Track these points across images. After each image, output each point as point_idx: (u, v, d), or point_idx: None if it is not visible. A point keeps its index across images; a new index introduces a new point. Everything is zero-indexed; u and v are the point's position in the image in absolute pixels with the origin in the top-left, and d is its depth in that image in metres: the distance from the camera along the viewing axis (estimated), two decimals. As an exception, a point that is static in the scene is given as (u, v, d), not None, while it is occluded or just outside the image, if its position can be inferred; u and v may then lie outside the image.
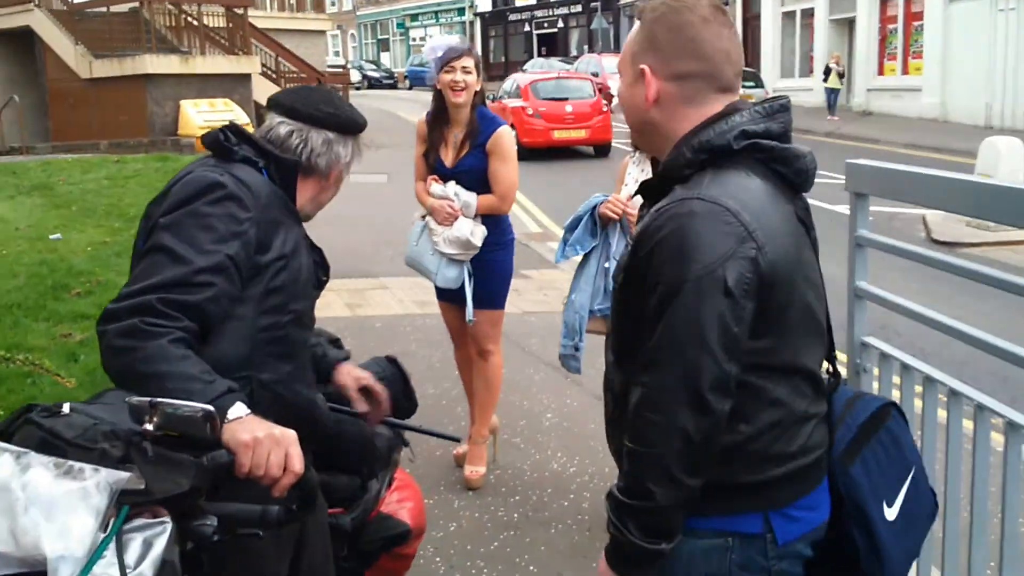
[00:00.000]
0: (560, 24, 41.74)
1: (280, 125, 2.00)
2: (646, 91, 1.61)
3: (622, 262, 1.65)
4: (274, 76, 20.57)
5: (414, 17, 51.17)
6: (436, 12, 49.73)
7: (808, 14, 25.89)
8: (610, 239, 3.41)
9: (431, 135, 3.98)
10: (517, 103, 17.43)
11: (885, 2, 23.20)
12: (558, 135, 16.98)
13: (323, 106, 2.01)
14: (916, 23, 22.08)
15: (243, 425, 1.53)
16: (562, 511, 3.81)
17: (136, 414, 1.39)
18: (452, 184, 3.90)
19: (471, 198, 3.88)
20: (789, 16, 26.73)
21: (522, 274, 7.82)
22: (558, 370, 5.55)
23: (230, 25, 19.53)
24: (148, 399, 1.39)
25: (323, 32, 26.30)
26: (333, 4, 52.15)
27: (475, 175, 3.89)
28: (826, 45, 24.52)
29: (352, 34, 55.68)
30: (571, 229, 3.53)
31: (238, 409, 1.56)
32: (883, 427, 1.72)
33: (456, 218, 3.86)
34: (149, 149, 16.08)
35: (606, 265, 3.39)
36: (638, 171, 3.51)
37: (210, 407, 1.43)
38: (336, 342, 3.05)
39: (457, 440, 2.88)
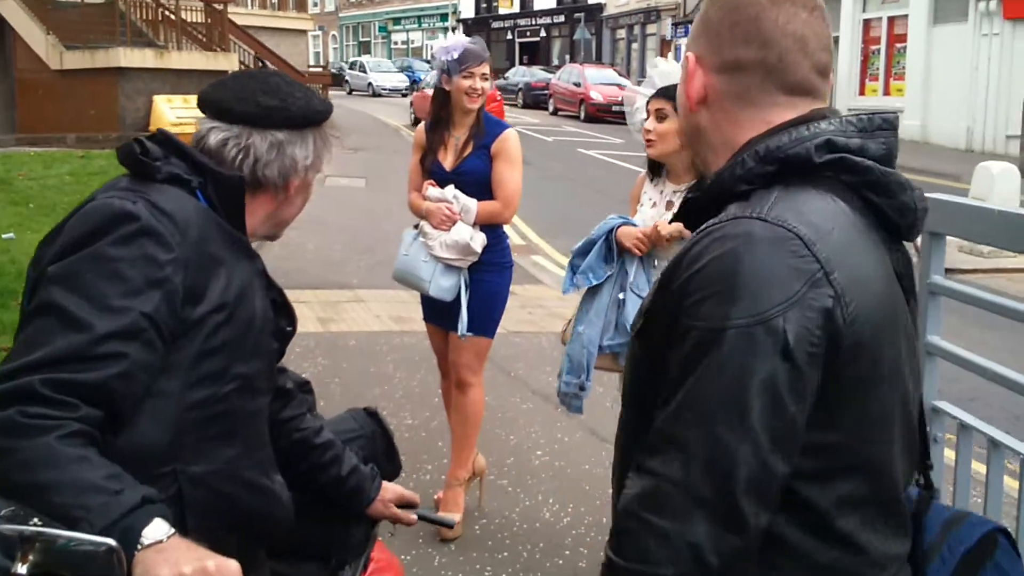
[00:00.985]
0: (543, 33, 41.51)
1: (211, 132, 1.56)
2: (689, 86, 1.25)
3: (645, 302, 1.23)
4: (252, 74, 20.08)
5: (396, 21, 50.75)
6: (419, 17, 49.35)
7: (793, 32, 25.77)
8: (627, 268, 3.02)
9: (430, 138, 3.67)
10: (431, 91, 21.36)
11: (868, 23, 23.13)
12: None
13: (264, 98, 1.55)
14: (899, 45, 22.04)
15: (163, 555, 1.12)
16: (557, 571, 3.40)
17: (4, 548, 0.96)
18: (451, 188, 3.55)
19: (471, 203, 3.52)
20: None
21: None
22: (547, 399, 5.15)
23: (208, 20, 19.02)
24: (19, 528, 0.96)
25: (304, 32, 25.82)
26: (315, 4, 51.61)
27: (477, 178, 3.55)
28: (811, 64, 24.37)
29: (333, 35, 55.13)
30: (581, 255, 3.12)
31: (156, 530, 1.15)
32: (989, 562, 1.27)
33: (454, 222, 3.51)
34: (118, 145, 15.55)
35: (620, 296, 2.99)
36: (656, 191, 3.12)
37: (111, 542, 1.02)
38: (304, 386, 2.63)
39: (450, 526, 2.51)
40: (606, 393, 4.22)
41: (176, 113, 15.85)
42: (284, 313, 1.66)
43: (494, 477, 4.12)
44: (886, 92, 22.43)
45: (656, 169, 3.11)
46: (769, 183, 1.15)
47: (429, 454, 4.31)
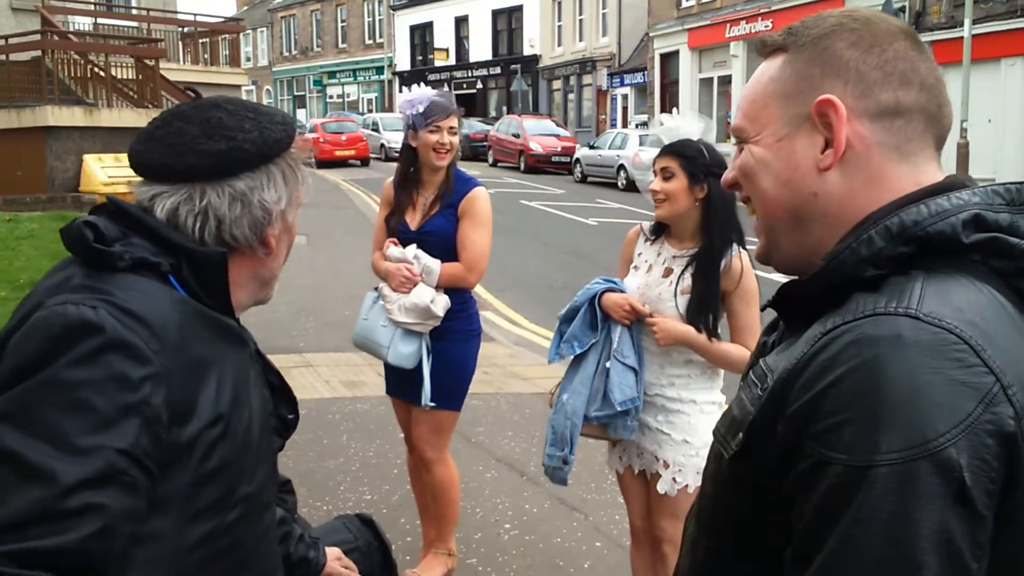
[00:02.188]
0: (479, 85, 41.81)
1: (156, 201, 1.26)
2: (825, 142, 1.00)
3: (742, 414, 1.00)
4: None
5: (331, 74, 50.70)
6: (354, 70, 49.37)
7: (725, 81, 26.41)
8: (612, 334, 2.85)
9: (398, 197, 3.47)
10: (312, 135, 27.77)
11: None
12: (338, 153, 28.15)
13: (208, 144, 1.26)
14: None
15: None
16: (538, 660, 3.19)
17: None
18: (412, 247, 3.34)
19: (434, 264, 3.31)
20: (706, 83, 27.24)
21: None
22: (512, 467, 4.95)
23: (140, 76, 18.64)
24: None
25: (239, 87, 25.54)
26: (248, 60, 51.35)
27: (442, 239, 3.34)
28: (744, 112, 24.93)
29: (268, 90, 54.83)
30: (567, 321, 2.95)
31: None
32: None
33: (415, 284, 3.29)
34: (47, 207, 15.00)
35: (607, 365, 2.82)
36: (652, 253, 2.93)
37: None
38: (284, 486, 2.40)
39: None
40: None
41: (108, 172, 15.38)
42: (283, 398, 1.42)
43: (463, 555, 3.89)
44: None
45: (658, 229, 2.94)
46: (905, 268, 0.93)
47: (392, 532, 4.03)
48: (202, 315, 1.23)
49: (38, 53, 17.56)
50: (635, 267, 2.95)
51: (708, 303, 2.74)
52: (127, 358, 1.10)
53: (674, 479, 2.82)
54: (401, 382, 3.44)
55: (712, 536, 1.07)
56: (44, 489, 1.02)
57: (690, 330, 2.74)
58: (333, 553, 1.73)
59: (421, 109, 3.33)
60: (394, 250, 3.35)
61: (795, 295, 1.02)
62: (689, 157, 2.74)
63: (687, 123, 2.86)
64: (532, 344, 8.10)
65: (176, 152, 1.25)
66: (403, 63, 45.75)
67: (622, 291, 2.88)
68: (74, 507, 1.03)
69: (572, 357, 2.93)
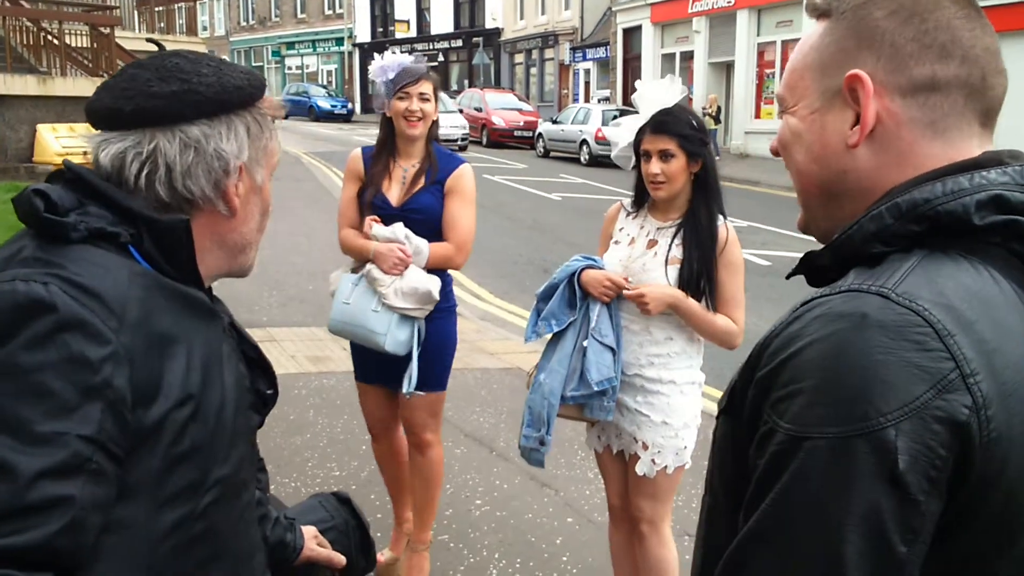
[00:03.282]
0: (440, 58, 41.41)
1: (101, 148, 1.17)
2: (855, 117, 0.97)
3: (733, 377, 1.02)
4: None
5: (290, 45, 49.86)
6: (313, 41, 48.61)
7: (687, 56, 26.43)
8: (591, 312, 2.81)
9: (373, 168, 3.27)
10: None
11: (762, 47, 23.89)
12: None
13: (160, 86, 1.16)
14: (792, 69, 22.79)
15: None
16: (513, 636, 3.19)
17: None
18: (399, 226, 3.14)
19: (423, 244, 3.14)
20: (669, 58, 27.22)
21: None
22: (481, 442, 4.94)
23: (95, 45, 18.16)
24: None
25: (195, 56, 25.04)
26: (205, 29, 50.29)
27: (427, 216, 3.18)
28: (705, 88, 25.02)
29: (224, 60, 53.79)
30: (544, 299, 2.89)
31: None
32: None
33: (407, 266, 3.11)
34: (13, 193, 14.62)
35: (584, 344, 2.79)
36: (635, 226, 2.88)
37: None
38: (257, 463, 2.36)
39: None
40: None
41: (62, 143, 15.00)
42: (261, 373, 1.34)
43: (434, 532, 3.86)
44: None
45: (639, 200, 2.89)
46: (909, 247, 0.91)
47: (363, 508, 4.02)
48: (166, 288, 1.15)
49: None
50: (616, 242, 2.91)
51: (701, 270, 2.72)
52: (84, 337, 1.02)
53: (653, 460, 2.81)
54: (380, 368, 3.27)
55: (710, 491, 1.08)
56: (4, 484, 0.96)
57: (679, 293, 2.71)
58: (309, 532, 1.68)
59: (391, 76, 3.20)
60: (380, 229, 3.14)
61: (811, 265, 1.02)
62: (686, 136, 2.71)
63: (666, 89, 2.81)
64: (497, 319, 8.07)
65: (126, 96, 1.16)
66: (363, 34, 45.14)
67: (601, 268, 2.85)
68: (39, 501, 0.97)
69: (550, 336, 2.90)
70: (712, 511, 1.07)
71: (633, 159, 2.86)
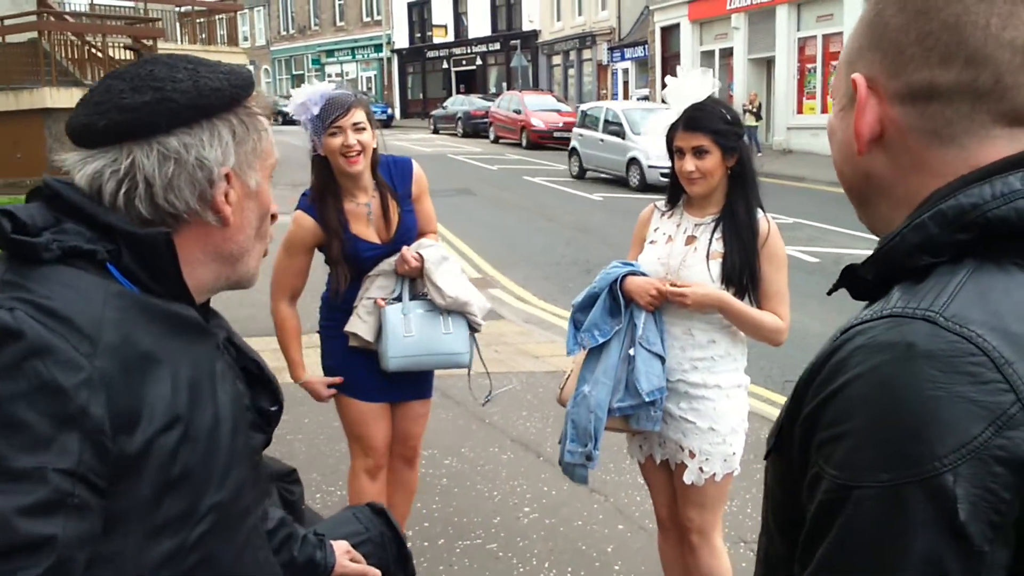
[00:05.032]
0: (479, 61, 41.49)
1: (78, 168, 1.11)
2: (857, 121, 0.90)
3: (784, 408, 0.93)
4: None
5: (330, 53, 50.30)
6: (352, 48, 48.99)
7: (727, 53, 26.13)
8: (636, 320, 2.72)
9: (325, 219, 2.95)
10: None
11: (803, 41, 23.54)
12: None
13: (132, 97, 1.09)
14: (834, 63, 22.34)
15: None
16: (565, 648, 3.11)
17: None
18: (430, 247, 3.09)
19: (436, 248, 3.11)
20: (708, 55, 26.92)
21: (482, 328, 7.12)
22: (527, 448, 4.87)
23: (137, 58, 18.46)
24: None
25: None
26: (246, 39, 50.93)
27: (412, 235, 3.10)
28: (745, 84, 24.72)
29: (266, 69, 54.45)
30: (583, 309, 2.81)
31: None
32: None
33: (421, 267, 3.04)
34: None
35: (631, 352, 2.70)
36: (671, 224, 2.80)
37: None
38: (289, 476, 2.31)
39: None
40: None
41: (108, 154, 15.28)
42: (264, 389, 1.26)
43: (481, 541, 3.82)
44: (823, 110, 22.76)
45: (674, 198, 2.82)
46: (958, 257, 0.82)
47: (413, 514, 3.97)
48: (147, 306, 1.07)
49: (35, 34, 17.38)
50: (651, 242, 2.83)
51: (744, 263, 2.65)
52: (56, 364, 0.95)
53: (700, 468, 2.72)
54: (393, 383, 3.12)
55: (766, 532, 1.00)
56: None
57: (722, 292, 2.64)
58: (341, 548, 1.62)
59: (316, 110, 2.87)
60: (428, 254, 3.03)
61: (853, 279, 0.93)
62: (720, 131, 2.63)
63: (697, 84, 2.72)
64: (542, 321, 8.00)
65: (100, 110, 1.09)
66: (402, 40, 45.38)
67: (643, 274, 2.76)
68: (20, 542, 0.89)
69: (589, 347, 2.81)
70: (769, 553, 0.99)
71: (666, 156, 2.79)
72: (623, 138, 17.63)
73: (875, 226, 0.97)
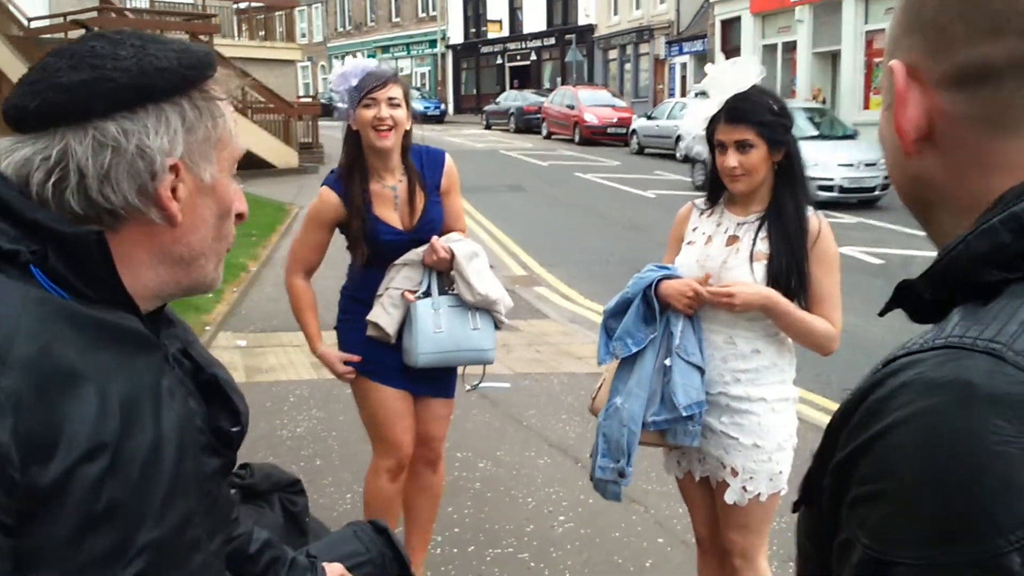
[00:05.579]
0: (533, 56, 41.30)
1: (8, 155, 0.98)
2: (898, 117, 0.75)
3: (815, 452, 0.76)
4: (240, 107, 19.70)
5: (385, 49, 50.55)
6: (407, 44, 49.18)
7: (790, 47, 25.57)
8: (672, 328, 2.53)
9: (350, 195, 2.88)
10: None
11: (871, 36, 22.90)
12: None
13: (70, 75, 0.96)
14: (902, 58, 21.85)
15: None
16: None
17: None
18: (459, 241, 2.98)
19: (467, 243, 2.99)
20: (770, 49, 26.37)
21: (509, 325, 6.93)
22: (566, 453, 4.70)
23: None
24: None
25: (293, 62, 25.52)
26: (304, 36, 51.47)
27: (436, 227, 2.99)
28: (809, 78, 24.15)
29: (323, 65, 54.97)
30: (615, 315, 2.62)
31: None
32: None
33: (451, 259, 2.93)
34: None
35: (667, 363, 2.51)
36: (710, 224, 2.61)
37: None
38: (293, 486, 2.18)
39: None
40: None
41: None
42: (223, 407, 1.13)
43: (513, 549, 3.66)
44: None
45: (714, 195, 2.62)
46: None
47: (443, 518, 3.82)
48: (75, 315, 0.93)
49: (96, 30, 17.71)
50: (689, 242, 2.63)
51: (792, 265, 2.45)
52: None
53: (744, 488, 2.52)
54: (423, 376, 3.01)
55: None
56: None
57: (772, 292, 2.44)
58: (335, 571, 1.47)
59: (355, 82, 2.83)
60: (458, 248, 2.92)
61: (910, 296, 0.75)
62: (766, 123, 2.43)
63: (741, 72, 2.51)
64: (587, 321, 7.80)
65: (34, 90, 0.97)
66: (456, 36, 45.40)
67: (678, 277, 2.57)
68: None
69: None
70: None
71: (707, 150, 2.58)
72: None
73: (940, 243, 0.78)
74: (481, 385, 3.29)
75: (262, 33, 25.05)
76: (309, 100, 29.61)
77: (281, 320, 6.94)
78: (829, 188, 13.58)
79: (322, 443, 4.77)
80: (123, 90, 0.96)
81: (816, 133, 15.63)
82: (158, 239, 1.02)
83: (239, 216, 1.11)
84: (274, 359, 6.36)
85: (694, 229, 2.65)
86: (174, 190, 1.00)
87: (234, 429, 1.13)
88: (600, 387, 2.77)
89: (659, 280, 2.56)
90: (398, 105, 2.83)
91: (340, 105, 2.91)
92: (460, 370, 3.16)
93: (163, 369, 1.03)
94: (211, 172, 1.03)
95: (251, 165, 16.96)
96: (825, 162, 13.43)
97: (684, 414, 2.47)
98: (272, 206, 13.09)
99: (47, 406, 0.87)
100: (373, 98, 2.80)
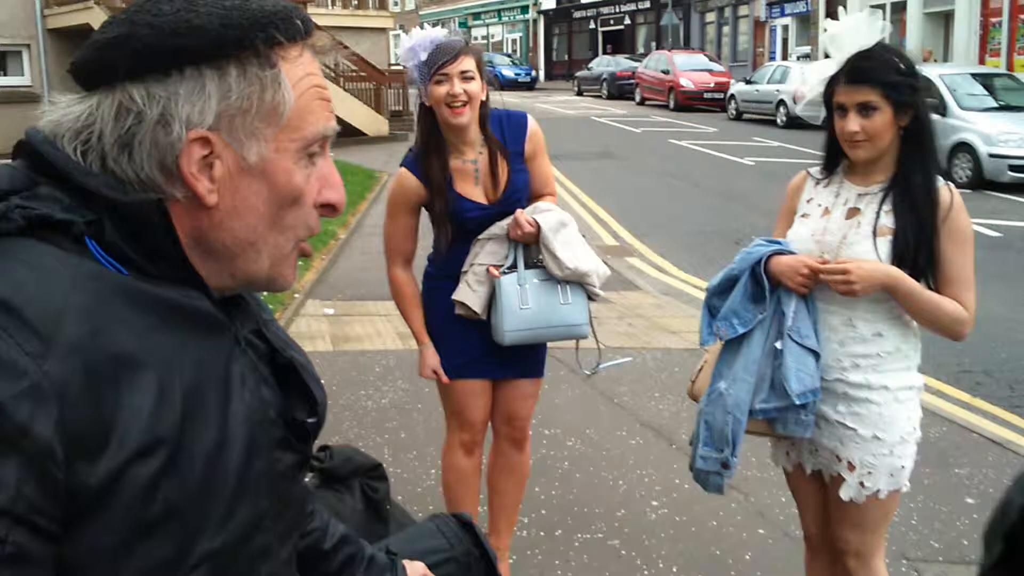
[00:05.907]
0: (627, 21, 40.47)
1: (50, 114, 0.87)
2: None
3: (1009, 508, 0.66)
4: (333, 75, 19.81)
5: (476, 16, 50.35)
6: (499, 10, 48.83)
7: (899, 7, 24.33)
8: (784, 308, 2.30)
9: (429, 175, 2.74)
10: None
11: (987, -7, 21.62)
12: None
13: (107, 30, 0.86)
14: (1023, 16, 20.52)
15: None
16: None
17: None
18: (542, 213, 2.78)
19: (553, 213, 2.80)
20: (877, 9, 25.16)
21: (601, 298, 6.67)
22: (660, 433, 4.48)
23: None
24: None
25: (385, 30, 25.57)
26: (396, 4, 51.66)
27: (523, 196, 2.84)
28: (919, 40, 22.95)
29: (414, 33, 55.20)
30: (719, 293, 2.41)
31: None
32: None
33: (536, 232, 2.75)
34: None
35: (777, 345, 2.28)
36: (828, 195, 2.37)
37: None
38: (374, 470, 2.03)
39: None
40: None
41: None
42: (299, 395, 1.00)
43: (603, 536, 3.48)
44: (1009, 67, 20.86)
45: (831, 163, 2.38)
46: None
47: (530, 499, 3.66)
48: (135, 293, 0.83)
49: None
50: (804, 215, 2.40)
51: (921, 241, 2.21)
52: None
53: (861, 484, 2.29)
54: (501, 357, 2.85)
55: None
56: None
57: (895, 270, 2.20)
58: (417, 570, 1.33)
59: (424, 56, 2.66)
60: (544, 219, 2.74)
61: None
62: (892, 84, 2.18)
63: (864, 27, 2.26)
64: (681, 293, 7.53)
65: (83, 47, 0.88)
66: (548, 1, 44.82)
67: (791, 253, 2.34)
68: None
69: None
70: None
71: (824, 113, 2.33)
72: (944, 115, 12.54)
73: None
74: (601, 366, 3.11)
75: (355, 3, 25.16)
76: (400, 68, 29.67)
77: (369, 289, 6.88)
78: (1021, 168, 11.68)
79: (407, 416, 4.67)
80: (147, 50, 0.84)
81: (996, 104, 13.24)
82: (196, 222, 0.88)
83: (329, 207, 0.95)
84: (360, 328, 6.30)
85: (808, 200, 2.42)
86: (211, 167, 0.86)
87: (311, 420, 1.00)
88: (701, 369, 2.57)
89: (769, 256, 2.33)
90: (472, 78, 2.66)
91: (412, 77, 2.75)
92: (575, 350, 3.03)
93: (233, 354, 0.91)
94: (259, 151, 0.88)
95: (343, 134, 17.04)
96: (1015, 137, 11.70)
97: (797, 402, 2.26)
98: (363, 173, 13.13)
99: (97, 396, 0.77)
100: (445, 73, 2.64)
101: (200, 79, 0.84)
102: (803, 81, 2.51)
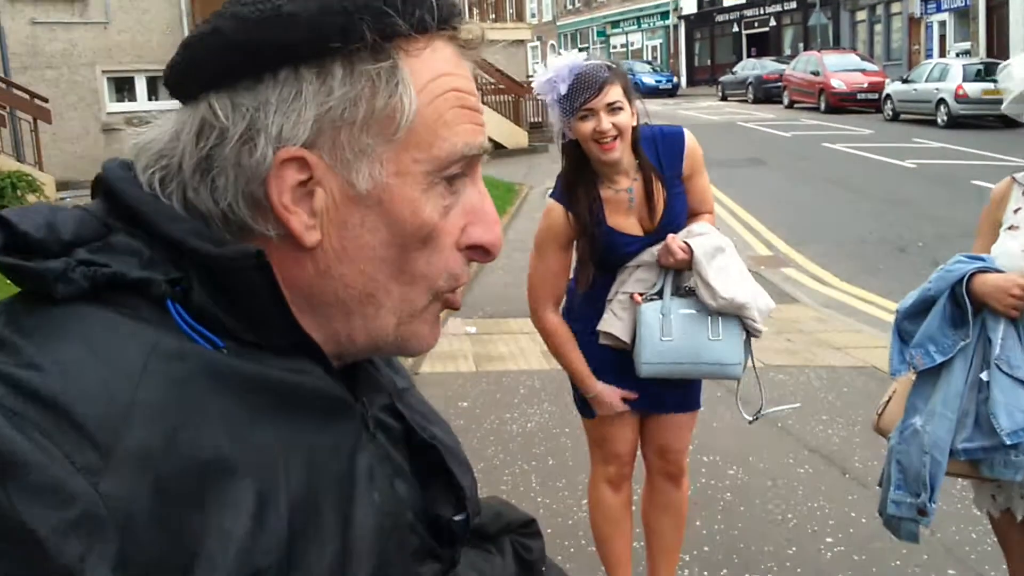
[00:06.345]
0: (772, 23, 39.26)
1: (154, 131, 0.68)
2: None
3: None
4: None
5: (615, 24, 50.08)
6: (638, 17, 48.40)
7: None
8: (990, 333, 2.01)
9: (578, 211, 2.53)
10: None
11: None
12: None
13: (198, 30, 0.68)
14: None
15: None
16: None
17: None
18: (710, 236, 2.54)
19: (710, 237, 2.53)
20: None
21: (762, 334, 6.31)
22: (831, 461, 4.14)
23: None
24: None
25: (523, 42, 25.72)
26: (533, 15, 52.06)
27: (682, 220, 2.59)
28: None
29: (552, 44, 55.39)
30: (912, 316, 2.14)
31: None
32: None
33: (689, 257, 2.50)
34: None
35: (983, 377, 2.00)
36: None
37: None
38: (528, 526, 1.86)
39: None
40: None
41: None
42: (444, 485, 0.80)
43: (773, 575, 3.20)
44: None
45: None
46: None
47: (690, 534, 3.42)
48: (227, 375, 0.63)
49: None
50: (1011, 227, 2.11)
51: None
52: (24, 493, 0.53)
53: None
54: (661, 389, 2.64)
55: None
56: None
57: None
58: None
59: (564, 90, 2.43)
60: (698, 244, 2.49)
61: None
62: None
63: None
64: (843, 306, 7.07)
65: (196, 38, 0.68)
66: (689, 6, 44.07)
67: (998, 271, 2.04)
68: None
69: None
70: None
71: None
72: None
73: None
74: (764, 412, 2.84)
75: (493, 16, 25.45)
76: (540, 80, 29.77)
77: (511, 306, 6.78)
78: None
79: (554, 440, 4.50)
80: (230, 48, 0.65)
81: None
82: (297, 270, 0.68)
83: (480, 249, 0.73)
84: (504, 347, 6.18)
85: (1016, 210, 2.12)
86: (310, 196, 0.66)
87: (457, 518, 0.79)
88: (888, 401, 2.30)
89: (972, 274, 2.05)
90: (620, 108, 2.43)
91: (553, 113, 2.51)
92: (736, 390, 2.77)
93: (360, 442, 0.71)
94: (371, 174, 0.67)
95: (485, 147, 17.21)
96: None
97: (1008, 442, 1.97)
98: (503, 186, 13.12)
99: (174, 520, 0.57)
100: (590, 108, 2.42)
101: (297, 83, 0.65)
102: (1008, 76, 2.21)
